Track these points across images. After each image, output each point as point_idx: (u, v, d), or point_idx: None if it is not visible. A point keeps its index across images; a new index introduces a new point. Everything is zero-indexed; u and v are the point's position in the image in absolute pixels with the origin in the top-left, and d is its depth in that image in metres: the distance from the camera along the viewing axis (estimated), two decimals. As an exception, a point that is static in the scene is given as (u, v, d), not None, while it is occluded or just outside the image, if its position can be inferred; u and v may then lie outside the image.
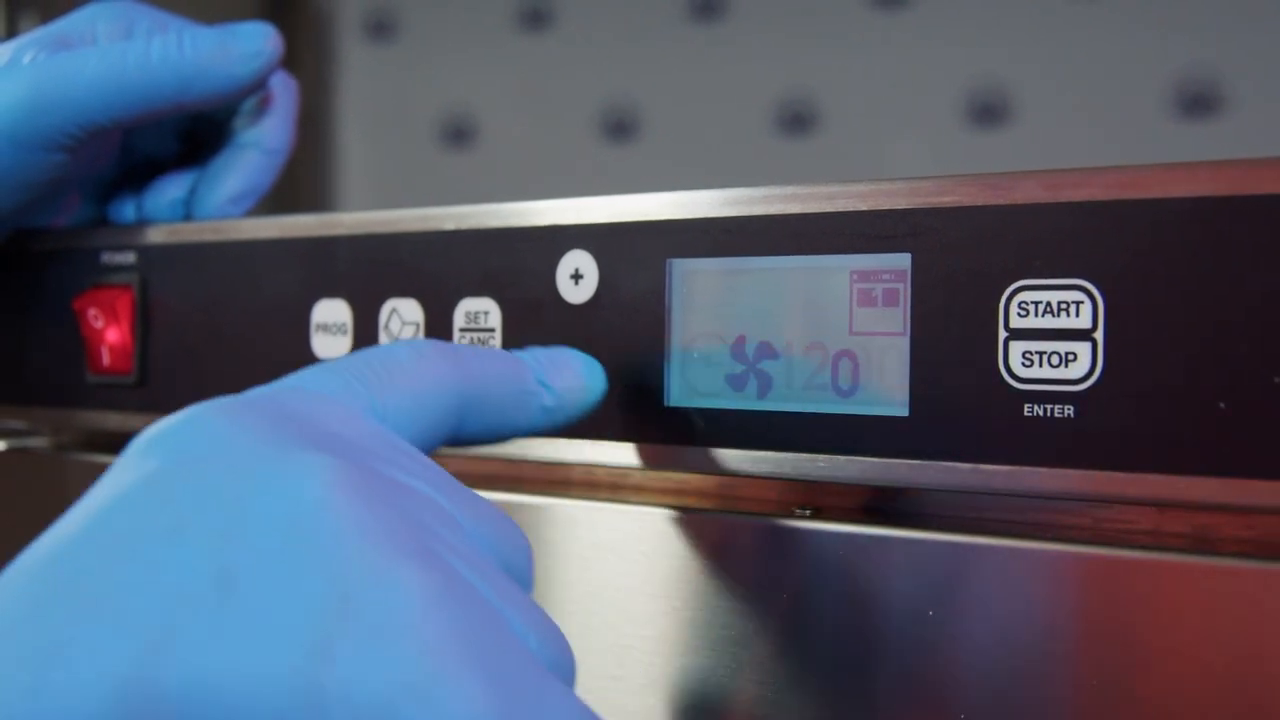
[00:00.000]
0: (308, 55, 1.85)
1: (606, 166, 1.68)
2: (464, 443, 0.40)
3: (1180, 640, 0.36)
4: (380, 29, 1.90)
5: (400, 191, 1.85)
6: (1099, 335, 0.37)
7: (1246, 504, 0.35)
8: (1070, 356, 0.37)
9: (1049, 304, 0.38)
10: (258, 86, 0.55)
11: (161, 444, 0.31)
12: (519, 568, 0.35)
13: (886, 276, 0.40)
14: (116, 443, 0.59)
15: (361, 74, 1.90)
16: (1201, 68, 1.52)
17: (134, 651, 0.27)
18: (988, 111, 1.64)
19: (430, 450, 0.38)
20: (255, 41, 0.54)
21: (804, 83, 1.69)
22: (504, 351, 0.41)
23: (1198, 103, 1.53)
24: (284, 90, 0.60)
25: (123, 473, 0.30)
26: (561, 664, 0.33)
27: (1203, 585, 0.36)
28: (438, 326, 0.48)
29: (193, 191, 0.59)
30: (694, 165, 1.67)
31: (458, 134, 1.89)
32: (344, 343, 0.50)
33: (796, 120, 1.71)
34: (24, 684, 0.27)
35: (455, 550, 0.31)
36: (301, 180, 1.80)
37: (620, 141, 1.84)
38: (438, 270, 0.48)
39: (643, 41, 1.79)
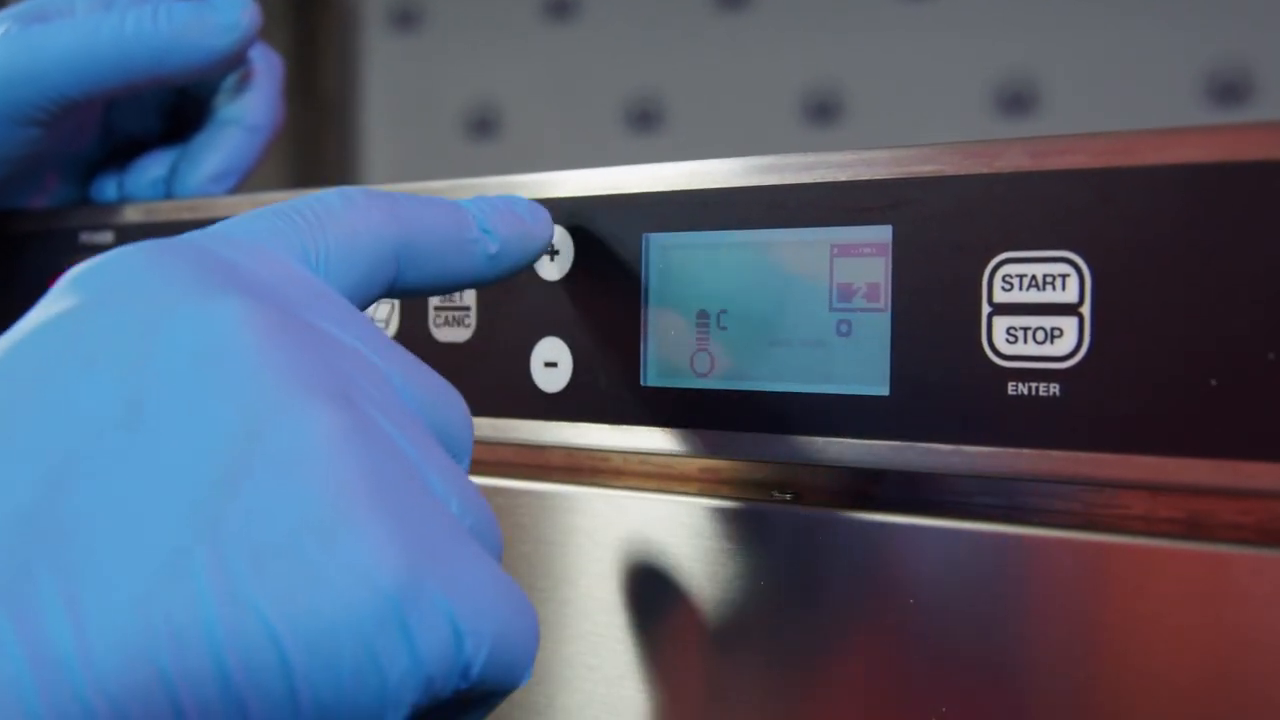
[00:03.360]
0: (333, 46, 1.85)
1: (631, 157, 1.67)
2: (405, 293, 0.38)
3: (1173, 629, 0.34)
4: (405, 19, 1.89)
5: (425, 182, 1.85)
6: (1086, 310, 0.35)
7: (1238, 487, 0.33)
8: (1056, 332, 0.35)
9: (1034, 277, 0.36)
10: (236, 60, 0.54)
11: (83, 281, 0.30)
12: (455, 435, 0.34)
13: (867, 250, 0.38)
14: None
15: (386, 64, 1.90)
16: (1233, 57, 1.50)
17: (36, 477, 0.26)
18: (1016, 102, 1.63)
19: (368, 300, 0.37)
20: (232, 13, 0.53)
21: (830, 72, 1.68)
22: (444, 199, 0.39)
23: (1229, 92, 1.51)
24: (267, 66, 0.59)
25: (43, 308, 0.30)
26: (485, 533, 0.32)
27: (1197, 572, 0.34)
28: (413, 305, 0.46)
29: (173, 170, 0.58)
30: (719, 155, 1.65)
31: (482, 124, 1.89)
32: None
33: (822, 110, 1.69)
34: None
35: (375, 401, 0.30)
36: (327, 171, 1.79)
37: (645, 132, 1.83)
38: (412, 247, 0.46)
39: (668, 31, 1.78)
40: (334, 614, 0.26)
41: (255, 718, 0.26)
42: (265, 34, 0.56)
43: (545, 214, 0.42)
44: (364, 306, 0.37)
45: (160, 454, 0.27)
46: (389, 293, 0.38)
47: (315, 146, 1.81)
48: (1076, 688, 0.35)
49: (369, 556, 0.27)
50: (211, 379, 0.28)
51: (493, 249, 0.39)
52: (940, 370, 0.37)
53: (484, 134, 1.88)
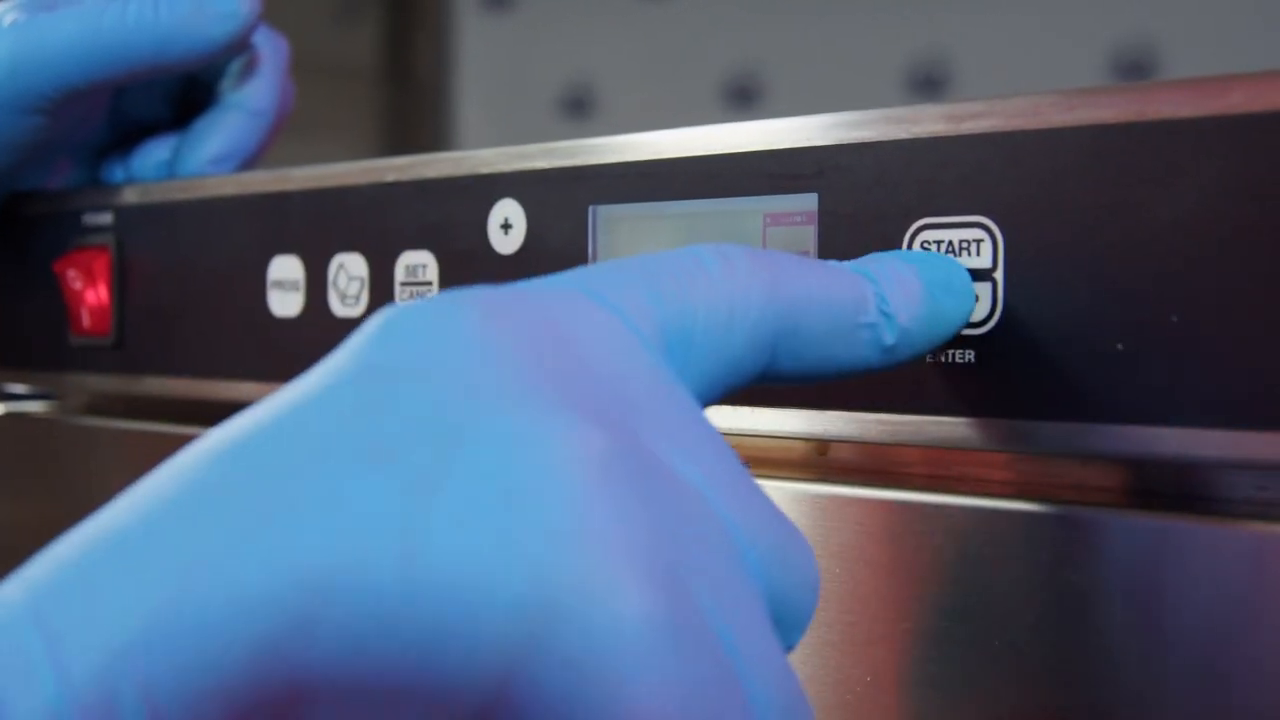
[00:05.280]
0: (427, 26, 1.86)
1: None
2: (774, 381, 0.32)
3: (1105, 598, 0.34)
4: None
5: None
6: (999, 275, 0.35)
7: (1149, 453, 0.33)
8: (972, 298, 0.35)
9: (951, 243, 0.35)
10: (237, 47, 0.55)
11: (397, 335, 0.26)
12: (794, 606, 0.28)
13: (797, 219, 0.38)
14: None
15: (480, 45, 1.91)
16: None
17: (289, 580, 0.23)
18: (929, 82, 1.63)
19: (730, 392, 0.31)
20: (231, 2, 0.54)
21: (939, 41, 1.66)
22: (839, 265, 0.33)
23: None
24: (272, 51, 0.60)
25: (345, 359, 0.26)
26: None
27: (1129, 540, 0.34)
28: (380, 281, 0.47)
29: (176, 152, 0.59)
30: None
31: (577, 104, 1.89)
32: (297, 300, 0.49)
33: (929, 82, 1.68)
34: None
35: (708, 577, 0.25)
36: (420, 152, 1.81)
37: (744, 108, 1.83)
38: (380, 224, 0.47)
39: (765, 7, 1.77)
40: None
41: None
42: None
43: (969, 287, 0.35)
44: (724, 397, 0.32)
45: (435, 572, 0.23)
46: (757, 381, 0.32)
47: (409, 127, 1.83)
48: (1011, 656, 0.35)
49: None
50: (511, 532, 0.23)
51: (889, 340, 0.32)
52: (863, 338, 0.37)
53: (579, 113, 1.89)
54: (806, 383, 0.33)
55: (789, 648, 0.28)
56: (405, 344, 0.26)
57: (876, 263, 0.33)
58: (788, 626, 0.28)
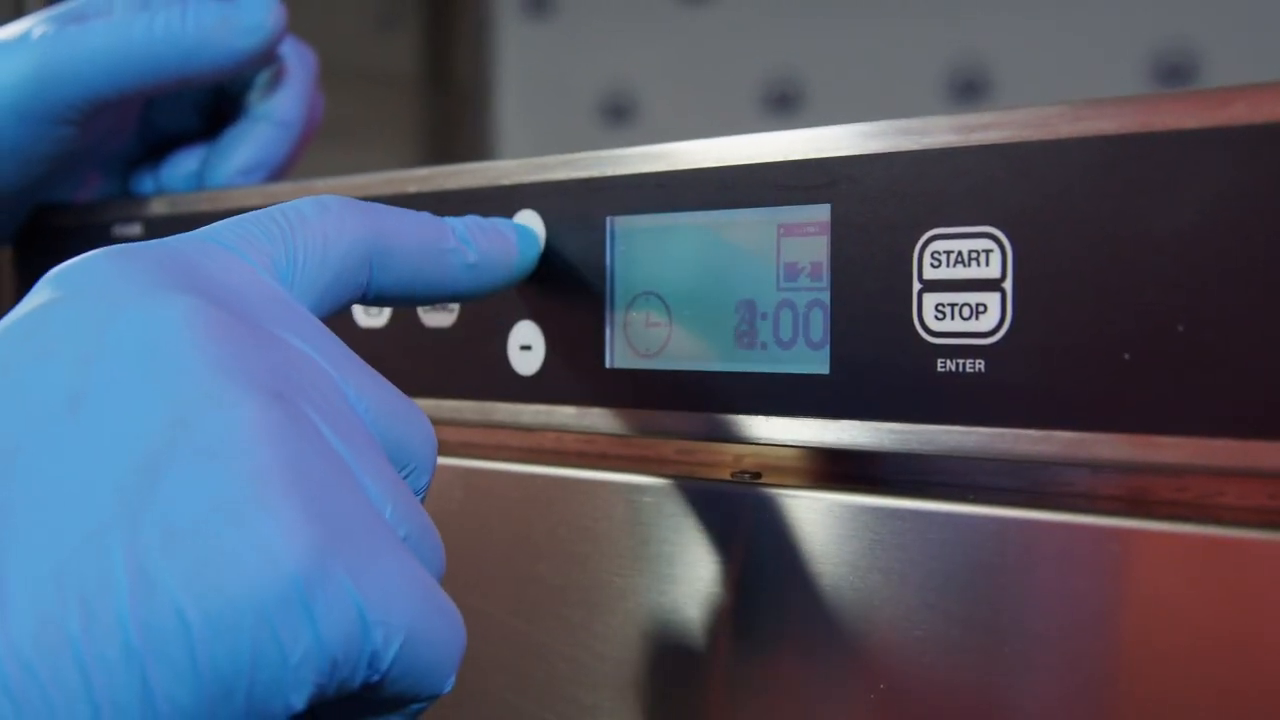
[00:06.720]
0: (468, 33, 1.87)
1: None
2: (381, 299, 0.39)
3: (1113, 608, 0.34)
4: (539, 5, 1.91)
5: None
6: (1008, 285, 0.35)
7: (1154, 462, 0.33)
8: (980, 308, 0.35)
9: (960, 253, 0.36)
10: (263, 59, 0.56)
11: (54, 280, 0.32)
12: (412, 453, 0.35)
13: (810, 229, 0.39)
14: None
15: (521, 51, 1.91)
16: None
17: None
18: (969, 87, 1.63)
19: (341, 304, 0.38)
20: (257, 14, 0.55)
21: (975, 46, 1.66)
22: (425, 212, 0.40)
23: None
24: (300, 63, 0.60)
25: (22, 304, 0.32)
26: (421, 546, 0.32)
27: (1137, 551, 0.34)
28: (403, 291, 0.47)
29: (204, 163, 0.60)
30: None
31: (617, 110, 1.89)
32: (322, 309, 0.50)
33: (969, 88, 1.67)
34: None
35: (315, 404, 0.31)
36: (462, 159, 1.81)
37: (784, 114, 1.82)
38: (402, 234, 0.48)
39: (805, 13, 1.77)
40: (237, 590, 0.27)
41: (157, 684, 0.27)
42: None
43: (532, 234, 0.43)
44: (337, 310, 0.38)
45: (94, 441, 0.28)
46: (364, 298, 0.39)
47: (450, 134, 1.83)
48: (1018, 663, 0.35)
49: (276, 537, 0.27)
50: (149, 371, 0.29)
51: (470, 258, 0.40)
52: (875, 348, 0.37)
53: (619, 119, 1.89)
54: (413, 302, 0.40)
55: (420, 490, 0.35)
56: (65, 280, 0.31)
57: (461, 217, 0.42)
58: (414, 470, 0.35)
